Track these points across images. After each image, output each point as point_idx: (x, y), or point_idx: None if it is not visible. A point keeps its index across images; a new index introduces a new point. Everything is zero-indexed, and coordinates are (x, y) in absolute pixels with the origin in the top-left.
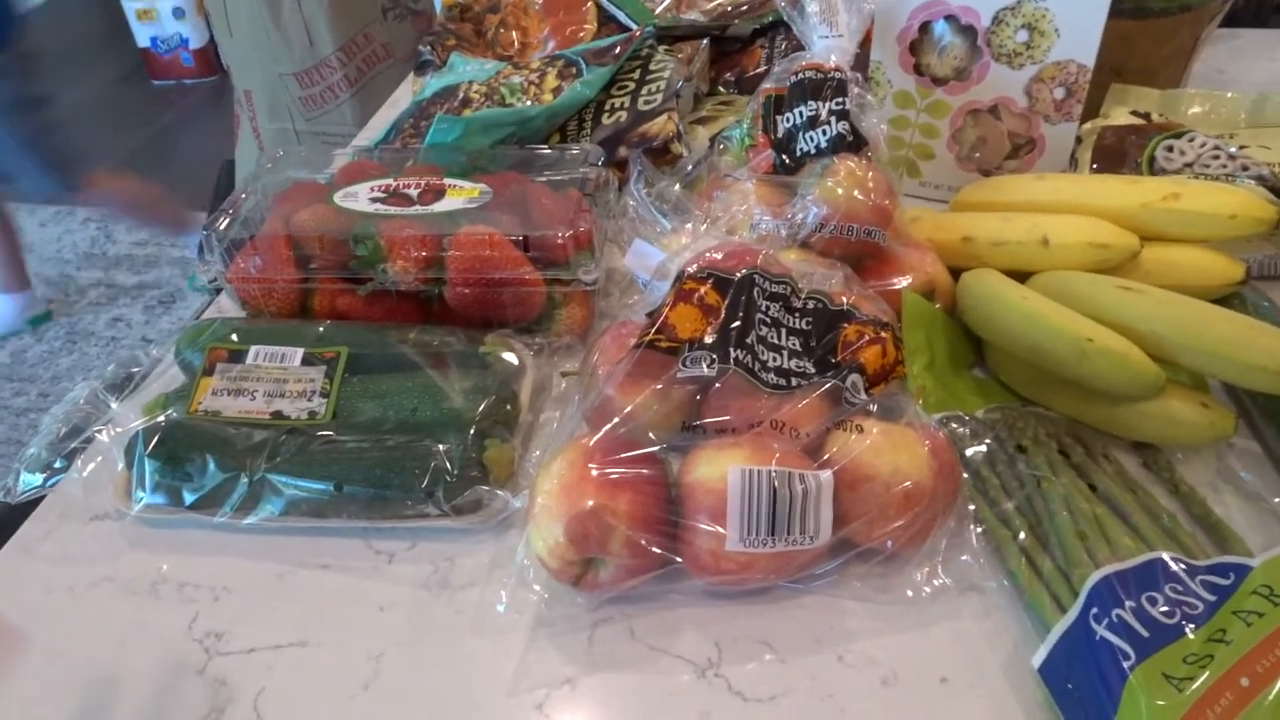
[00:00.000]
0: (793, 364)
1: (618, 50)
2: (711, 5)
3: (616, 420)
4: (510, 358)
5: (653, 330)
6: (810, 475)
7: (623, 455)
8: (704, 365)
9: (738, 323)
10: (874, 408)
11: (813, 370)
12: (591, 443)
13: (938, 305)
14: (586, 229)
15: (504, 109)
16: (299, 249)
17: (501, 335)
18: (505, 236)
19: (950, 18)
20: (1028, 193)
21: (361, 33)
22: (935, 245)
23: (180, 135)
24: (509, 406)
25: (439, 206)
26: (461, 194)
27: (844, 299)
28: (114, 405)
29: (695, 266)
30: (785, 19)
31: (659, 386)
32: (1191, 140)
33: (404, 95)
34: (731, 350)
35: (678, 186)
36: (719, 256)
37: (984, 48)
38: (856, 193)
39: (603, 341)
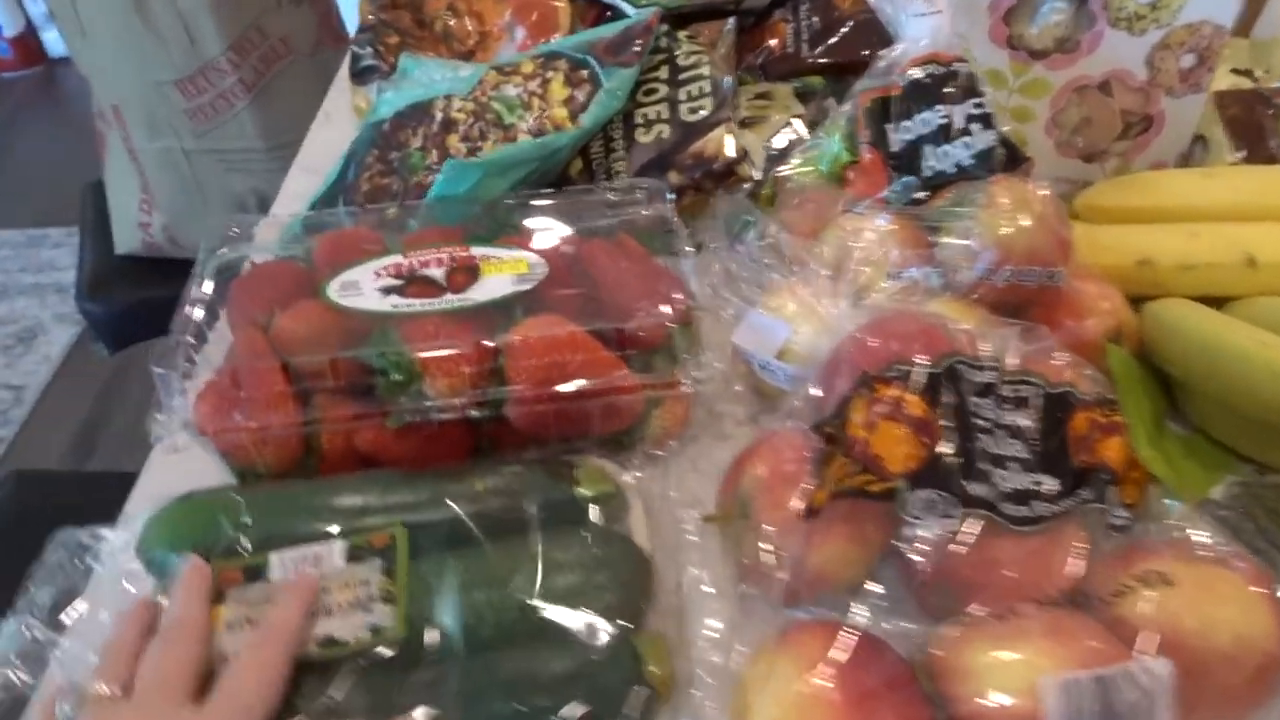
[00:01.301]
0: (1027, 481)
1: (638, 45)
2: None
3: (855, 632)
4: (615, 495)
5: (856, 468)
6: (1140, 669)
7: (872, 672)
8: (940, 515)
9: (958, 439)
10: (1174, 538)
11: (1054, 486)
12: (826, 662)
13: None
14: (683, 305)
15: (530, 141)
16: (296, 377)
17: (594, 463)
18: (586, 331)
19: None
20: (1197, 193)
21: (254, 25)
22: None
23: (8, 139)
24: (646, 578)
25: (479, 292)
26: (502, 268)
27: (1048, 372)
28: (69, 656)
29: (879, 360)
30: None
31: (880, 549)
32: None
33: (339, 110)
34: (968, 485)
35: (774, 228)
36: (891, 338)
37: (1098, 13)
38: (1032, 226)
39: (756, 474)
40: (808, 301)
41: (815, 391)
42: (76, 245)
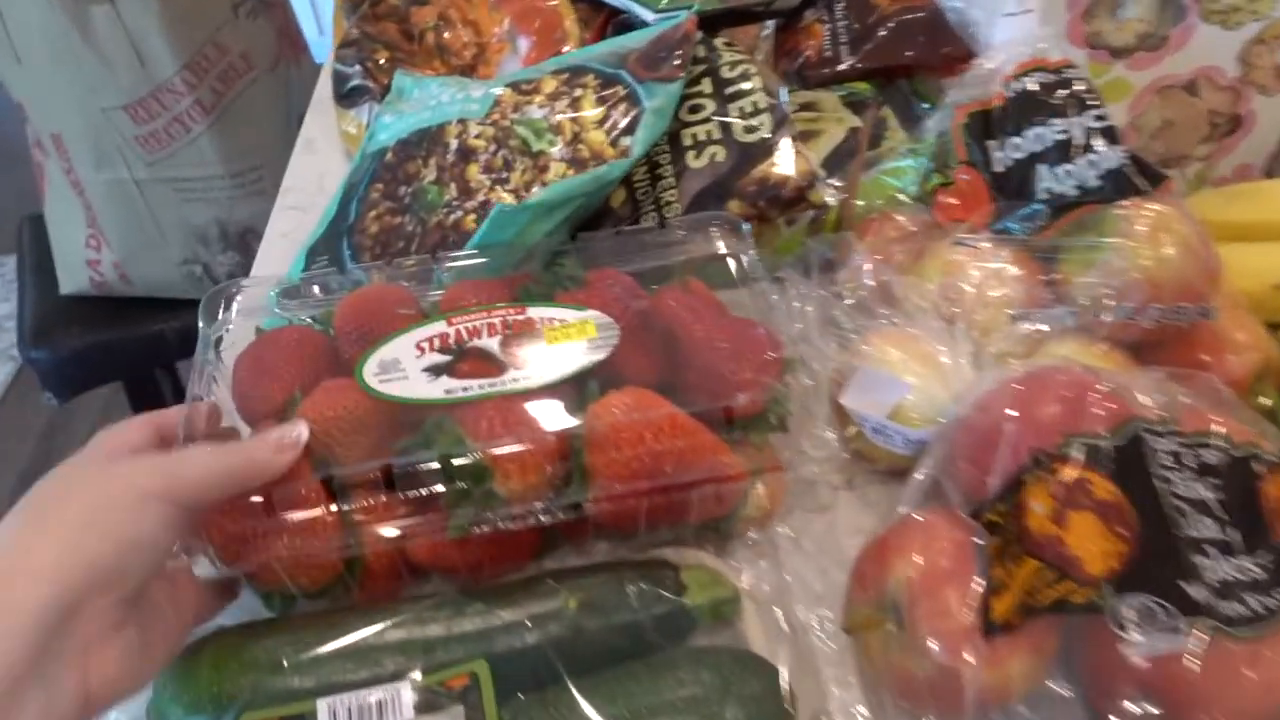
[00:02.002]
0: (1230, 569)
1: (678, 56)
2: None
3: None
4: (732, 601)
5: (1051, 575)
6: None
7: None
8: (1163, 627)
9: (1157, 526)
10: None
11: (1259, 572)
12: None
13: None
14: (785, 366)
15: (582, 176)
16: (339, 489)
17: (700, 562)
18: (687, 412)
19: None
20: None
21: (210, 41)
22: None
23: None
24: (789, 707)
25: (545, 366)
26: (568, 334)
27: (1231, 430)
28: None
29: (1047, 429)
30: None
31: (1054, 653)
32: None
33: (322, 136)
34: (1185, 585)
35: (869, 265)
36: (1052, 401)
37: (1189, 5)
38: (1179, 255)
39: (908, 573)
40: (922, 351)
41: (963, 466)
42: (7, 276)
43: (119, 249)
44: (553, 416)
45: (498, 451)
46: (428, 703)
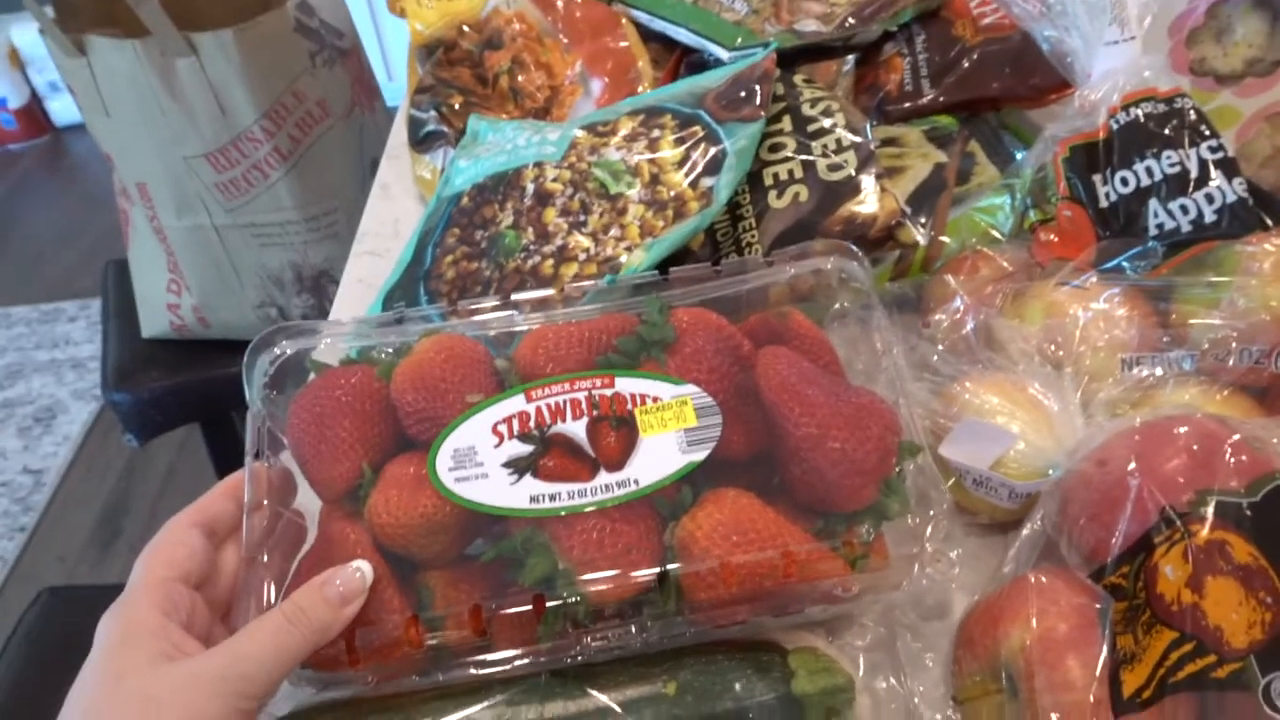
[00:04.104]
0: None
1: (758, 96)
2: (827, 8)
3: None
4: (845, 691)
5: (1190, 645)
6: None
7: None
8: None
9: None
10: None
11: None
12: None
13: None
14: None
15: (680, 229)
16: (423, 605)
17: (810, 644)
18: (800, 524)
19: None
20: None
21: (289, 90)
22: None
23: (17, 211)
24: None
25: (641, 468)
26: (664, 420)
27: None
28: None
29: (1177, 485)
30: (1022, 24)
31: None
32: None
33: (396, 181)
34: None
35: (961, 306)
36: (1182, 453)
37: None
38: None
39: (1022, 639)
40: (1025, 399)
41: (1081, 523)
42: (90, 318)
43: (198, 293)
44: (648, 532)
45: (596, 577)
46: None
